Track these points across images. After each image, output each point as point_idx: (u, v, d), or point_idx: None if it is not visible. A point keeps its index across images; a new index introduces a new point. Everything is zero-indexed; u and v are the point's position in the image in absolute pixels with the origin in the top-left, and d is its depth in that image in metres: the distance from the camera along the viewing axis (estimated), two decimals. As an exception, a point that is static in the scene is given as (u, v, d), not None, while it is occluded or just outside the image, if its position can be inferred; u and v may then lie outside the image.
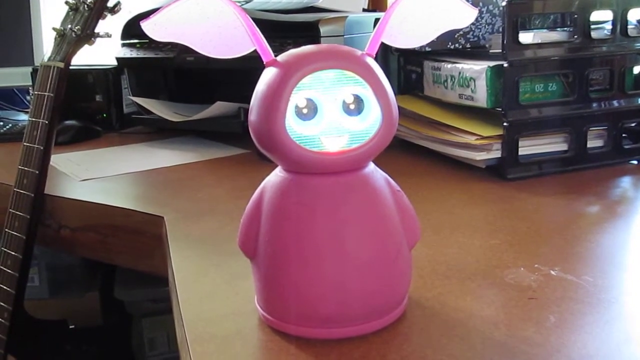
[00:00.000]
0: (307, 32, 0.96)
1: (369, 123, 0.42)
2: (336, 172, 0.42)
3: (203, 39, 0.42)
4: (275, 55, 0.43)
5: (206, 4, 0.41)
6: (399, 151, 0.95)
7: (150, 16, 0.41)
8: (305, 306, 0.43)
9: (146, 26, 0.41)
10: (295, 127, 0.41)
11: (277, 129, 0.40)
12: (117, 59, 1.20)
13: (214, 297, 0.51)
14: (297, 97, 0.40)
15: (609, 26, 0.84)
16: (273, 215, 0.43)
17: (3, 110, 1.51)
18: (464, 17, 0.47)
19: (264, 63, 0.42)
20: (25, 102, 1.55)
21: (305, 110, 0.41)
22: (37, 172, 0.81)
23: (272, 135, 0.41)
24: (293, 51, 0.43)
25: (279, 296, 0.44)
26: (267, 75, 0.42)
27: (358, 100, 0.41)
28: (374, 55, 0.44)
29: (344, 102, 0.41)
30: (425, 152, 0.91)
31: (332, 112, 0.41)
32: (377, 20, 1.03)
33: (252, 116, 0.42)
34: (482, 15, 0.92)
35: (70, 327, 1.00)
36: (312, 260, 0.42)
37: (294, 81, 0.40)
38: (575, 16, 0.80)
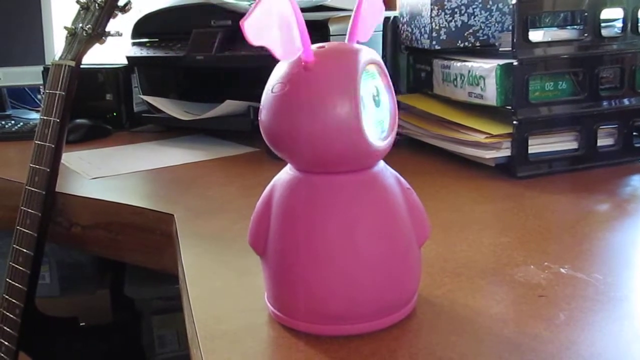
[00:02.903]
0: (317, 31, 0.96)
1: (384, 112, 0.43)
2: (346, 171, 0.43)
3: (278, 41, 0.41)
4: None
5: (276, 5, 0.40)
6: (409, 150, 0.95)
7: (248, 18, 0.39)
8: (314, 303, 0.43)
9: (247, 29, 0.39)
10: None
11: (353, 126, 0.40)
12: (128, 57, 1.21)
13: (224, 294, 0.51)
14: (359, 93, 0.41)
15: (619, 24, 0.83)
16: (283, 213, 0.44)
17: (15, 109, 1.52)
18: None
19: (306, 64, 0.41)
20: (37, 100, 1.56)
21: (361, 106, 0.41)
22: (48, 170, 0.82)
23: (347, 133, 0.40)
24: (327, 52, 0.42)
25: (289, 293, 0.44)
26: (322, 77, 0.41)
27: (377, 92, 0.43)
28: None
29: (373, 95, 0.42)
30: (435, 150, 0.91)
31: (370, 106, 0.42)
32: (386, 18, 1.03)
33: (293, 119, 0.41)
34: (492, 14, 0.92)
35: (81, 324, 1.01)
36: (321, 258, 0.42)
37: (357, 78, 0.40)
38: (586, 14, 0.80)
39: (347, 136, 0.40)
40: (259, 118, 0.43)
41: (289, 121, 0.41)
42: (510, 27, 0.78)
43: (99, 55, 0.95)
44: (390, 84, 0.44)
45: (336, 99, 0.40)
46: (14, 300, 0.84)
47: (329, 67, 0.41)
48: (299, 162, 0.44)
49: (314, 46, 0.42)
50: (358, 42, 0.45)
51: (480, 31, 0.92)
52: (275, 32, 0.40)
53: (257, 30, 0.39)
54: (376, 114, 0.43)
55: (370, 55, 0.43)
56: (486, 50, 0.91)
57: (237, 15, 1.06)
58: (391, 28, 1.04)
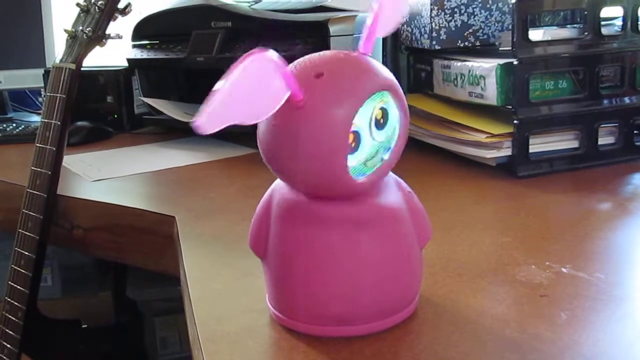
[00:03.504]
0: (317, 32, 0.97)
1: (391, 130, 0.42)
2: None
3: (249, 110, 0.37)
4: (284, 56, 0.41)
5: (246, 69, 0.35)
6: (409, 150, 0.94)
7: (202, 115, 0.35)
8: (315, 305, 0.43)
9: (201, 127, 0.35)
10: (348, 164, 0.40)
11: (341, 173, 0.39)
12: (128, 60, 1.21)
13: (225, 296, 0.52)
14: (349, 135, 0.39)
15: (619, 22, 0.83)
16: (283, 216, 0.44)
17: (16, 112, 1.52)
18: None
19: (295, 104, 0.38)
20: (38, 103, 1.56)
21: (353, 145, 0.39)
22: (49, 172, 0.82)
23: (332, 177, 0.39)
24: (320, 85, 0.39)
25: (290, 295, 0.44)
26: (310, 117, 0.38)
27: (384, 112, 0.41)
28: (370, 54, 0.43)
29: (376, 119, 0.40)
30: (436, 150, 0.91)
31: (369, 134, 0.40)
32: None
33: (290, 160, 0.39)
34: (492, 13, 0.92)
35: (83, 326, 1.01)
36: (322, 261, 0.42)
37: (349, 120, 0.38)
38: (586, 13, 0.80)
39: (333, 180, 0.40)
40: (258, 144, 0.42)
41: (277, 152, 0.40)
42: (510, 27, 0.78)
43: (99, 58, 0.96)
44: (404, 103, 0.42)
45: (322, 144, 0.38)
46: (16, 303, 0.84)
47: (319, 108, 0.38)
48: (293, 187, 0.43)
49: (308, 66, 0.40)
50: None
51: (480, 31, 0.92)
52: (248, 102, 0.36)
53: (217, 119, 0.35)
54: (377, 137, 0.41)
55: (375, 82, 0.40)
56: (486, 49, 0.91)
57: (237, 16, 1.06)
58: (391, 28, 1.04)
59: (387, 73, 0.41)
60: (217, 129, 0.36)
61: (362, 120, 0.39)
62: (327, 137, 0.38)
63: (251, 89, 0.36)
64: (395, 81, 0.41)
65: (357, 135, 0.39)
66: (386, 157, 0.42)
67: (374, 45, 0.42)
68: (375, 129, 0.41)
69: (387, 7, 0.43)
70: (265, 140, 0.41)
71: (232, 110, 0.36)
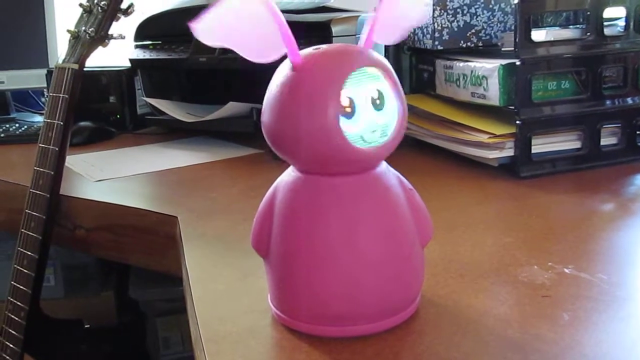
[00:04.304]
0: (319, 32, 0.97)
1: (389, 116, 0.42)
2: (348, 172, 0.43)
3: (245, 43, 0.41)
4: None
5: (246, 5, 0.40)
6: (412, 150, 0.95)
7: (199, 19, 0.39)
8: (317, 305, 0.43)
9: (198, 31, 0.39)
10: (342, 125, 0.41)
11: (332, 130, 0.40)
12: (131, 60, 1.21)
13: (227, 296, 0.52)
14: (342, 97, 0.40)
15: (622, 23, 0.83)
16: (285, 214, 0.44)
17: (19, 112, 1.53)
18: (420, 15, 0.47)
19: (293, 65, 0.41)
20: (40, 103, 1.57)
21: (349, 109, 0.41)
22: (52, 172, 0.82)
23: (327, 136, 0.40)
24: (316, 53, 0.42)
25: (292, 294, 0.44)
26: (306, 78, 0.41)
27: (380, 95, 0.42)
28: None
29: (372, 98, 0.42)
30: (438, 150, 0.91)
31: (367, 109, 0.41)
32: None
33: (290, 122, 0.41)
34: (494, 14, 0.92)
35: (86, 326, 1.01)
36: (324, 260, 0.42)
37: (341, 81, 0.40)
38: (588, 13, 0.80)
39: (328, 140, 0.40)
40: (261, 119, 0.43)
41: (278, 122, 0.42)
42: (513, 27, 0.78)
43: (102, 58, 0.96)
44: (399, 87, 0.43)
45: (316, 103, 0.40)
46: (18, 303, 0.84)
47: (313, 70, 0.41)
48: (295, 163, 0.44)
49: (311, 48, 0.42)
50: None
51: (483, 31, 0.92)
52: (242, 34, 0.40)
53: (211, 32, 0.40)
54: (376, 117, 0.42)
55: (367, 58, 0.42)
56: (489, 50, 0.91)
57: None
58: (393, 29, 1.04)
59: (383, 60, 0.43)
60: (214, 42, 0.40)
61: (356, 93, 0.41)
62: (321, 93, 0.40)
63: (245, 23, 0.40)
64: (393, 72, 0.43)
65: (352, 103, 0.41)
66: (383, 141, 0.42)
67: (372, 43, 0.44)
68: (373, 109, 0.41)
69: (389, 11, 0.43)
70: (269, 111, 0.42)
71: (227, 31, 0.40)
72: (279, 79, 0.42)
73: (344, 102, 0.40)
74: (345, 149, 0.41)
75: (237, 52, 0.41)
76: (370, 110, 0.42)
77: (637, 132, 0.84)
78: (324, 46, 0.43)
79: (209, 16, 0.39)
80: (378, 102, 0.42)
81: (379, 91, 0.42)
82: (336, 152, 0.41)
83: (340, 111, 0.40)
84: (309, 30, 0.98)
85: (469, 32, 0.91)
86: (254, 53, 0.41)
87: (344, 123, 0.40)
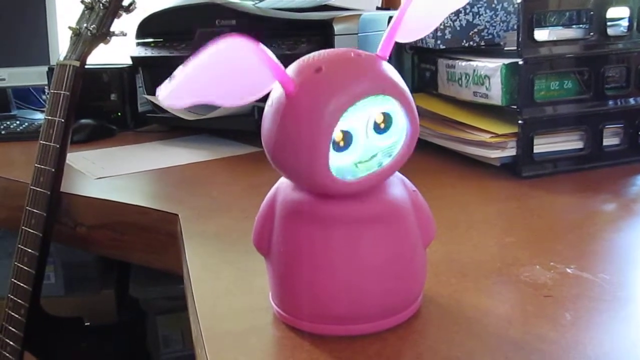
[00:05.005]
0: (321, 31, 0.96)
1: (396, 137, 0.41)
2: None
3: (225, 90, 0.38)
4: (289, 54, 0.42)
5: (219, 52, 0.36)
6: (413, 149, 0.95)
7: (164, 88, 0.36)
8: (319, 304, 0.43)
9: (163, 99, 0.37)
10: (332, 161, 0.39)
11: (320, 169, 0.38)
12: (132, 57, 1.21)
13: (228, 294, 0.51)
14: (335, 132, 0.38)
15: (625, 23, 0.83)
16: (287, 214, 0.44)
17: (19, 109, 1.52)
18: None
19: (287, 94, 0.39)
20: (41, 101, 1.56)
21: (342, 143, 0.39)
22: (53, 170, 0.82)
23: (316, 175, 0.39)
24: (314, 78, 0.39)
25: (293, 293, 0.44)
26: (297, 109, 0.39)
27: (386, 117, 0.40)
28: (387, 57, 0.42)
29: (375, 122, 0.40)
30: (440, 150, 0.91)
31: (365, 136, 0.40)
32: (391, 18, 1.03)
33: (279, 149, 0.40)
34: (497, 13, 0.91)
35: (86, 324, 1.01)
36: (325, 259, 0.42)
37: (335, 116, 0.38)
38: (591, 13, 0.80)
39: (314, 178, 0.39)
40: (273, 150, 0.41)
41: (271, 145, 0.40)
42: (516, 26, 0.78)
43: (103, 55, 0.95)
44: (410, 104, 0.40)
45: (303, 139, 0.38)
46: (19, 300, 0.84)
47: (307, 100, 0.38)
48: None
49: (311, 59, 0.40)
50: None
51: (485, 30, 0.92)
52: (220, 83, 0.37)
53: (184, 93, 0.36)
54: (378, 141, 0.40)
55: (374, 84, 0.39)
56: (491, 49, 0.91)
57: (242, 15, 1.06)
58: (396, 27, 1.04)
59: (394, 79, 0.40)
60: (184, 104, 0.37)
61: (356, 121, 0.39)
62: (310, 129, 0.38)
63: (225, 69, 0.36)
64: (405, 90, 0.40)
65: (347, 135, 0.39)
66: (385, 162, 0.41)
67: (389, 50, 0.42)
68: (374, 133, 0.40)
69: (415, 11, 0.42)
70: (263, 129, 0.41)
71: (201, 87, 0.36)
72: (273, 101, 0.40)
73: (337, 137, 0.39)
74: (329, 180, 0.39)
75: (218, 103, 0.38)
76: (370, 136, 0.40)
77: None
78: (325, 58, 0.40)
79: (178, 81, 0.36)
80: (382, 125, 0.40)
81: (384, 114, 0.40)
82: (319, 181, 0.39)
83: (333, 147, 0.38)
84: (311, 28, 0.98)
85: (472, 32, 0.91)
86: (236, 96, 0.39)
87: (334, 156, 0.39)
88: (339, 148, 0.39)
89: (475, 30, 0.91)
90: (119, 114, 1.27)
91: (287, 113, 0.39)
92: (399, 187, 0.44)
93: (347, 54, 0.41)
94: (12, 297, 0.85)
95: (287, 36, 0.98)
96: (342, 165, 0.40)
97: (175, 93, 0.36)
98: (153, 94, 1.20)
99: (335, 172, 0.39)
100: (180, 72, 0.36)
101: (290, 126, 0.39)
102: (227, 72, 0.37)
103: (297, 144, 0.39)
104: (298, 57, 0.41)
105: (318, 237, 0.42)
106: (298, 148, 0.39)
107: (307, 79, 0.39)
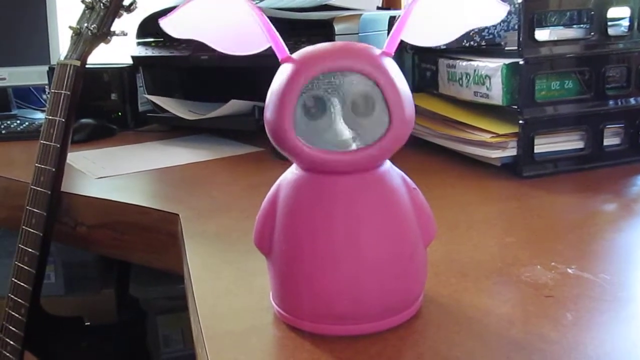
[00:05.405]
0: (322, 30, 0.96)
1: (379, 124, 0.41)
2: (351, 171, 0.42)
3: (220, 36, 0.43)
4: (291, 53, 0.43)
5: (222, 2, 0.42)
6: (414, 149, 0.95)
7: (168, 14, 0.42)
8: (320, 303, 0.43)
9: (164, 24, 0.42)
10: (305, 127, 0.41)
11: (285, 126, 0.40)
12: (133, 57, 1.21)
13: (229, 294, 0.51)
14: (306, 96, 0.40)
15: (626, 23, 0.83)
16: (288, 213, 0.44)
17: (20, 109, 1.52)
18: (493, 14, 0.45)
19: (279, 60, 0.42)
20: (42, 100, 1.56)
21: (313, 110, 0.41)
22: (53, 169, 0.82)
23: (281, 132, 0.41)
24: (309, 49, 0.42)
25: (294, 293, 0.44)
26: (281, 73, 0.42)
27: (368, 100, 0.41)
28: (393, 54, 0.43)
29: (353, 102, 0.41)
30: (440, 150, 0.91)
31: (341, 112, 0.41)
32: (392, 18, 1.03)
33: (267, 113, 0.42)
34: (498, 13, 0.91)
35: (86, 323, 1.01)
36: (326, 258, 0.42)
37: (303, 80, 0.40)
38: (592, 13, 0.80)
39: (284, 140, 0.41)
40: (264, 116, 0.43)
41: (269, 118, 0.42)
42: (516, 26, 0.78)
43: (104, 55, 0.95)
44: (398, 94, 0.41)
45: (278, 99, 0.41)
46: (19, 300, 0.84)
47: (288, 65, 0.42)
48: (299, 161, 0.44)
49: (318, 45, 0.43)
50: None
51: (486, 30, 0.91)
52: (217, 28, 0.43)
53: (179, 25, 0.43)
54: (354, 123, 0.41)
55: (357, 62, 0.41)
56: (492, 49, 0.91)
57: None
58: (396, 27, 1.04)
59: (384, 67, 0.42)
60: (181, 36, 0.43)
61: (332, 93, 0.40)
62: (282, 88, 0.41)
63: (224, 17, 0.42)
64: (394, 82, 0.42)
65: (320, 102, 0.40)
66: (363, 146, 0.41)
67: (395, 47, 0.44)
68: (352, 113, 0.41)
69: (424, 11, 0.43)
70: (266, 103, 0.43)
71: (200, 25, 0.42)
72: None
73: (308, 102, 0.40)
74: (303, 149, 0.41)
75: (209, 45, 0.43)
76: (348, 115, 0.41)
77: (640, 133, 0.83)
78: (327, 43, 0.43)
79: (177, 12, 0.42)
80: (362, 107, 0.41)
81: (365, 96, 0.41)
82: (297, 151, 0.41)
83: (305, 111, 0.40)
84: (311, 28, 0.98)
85: (472, 31, 0.91)
86: (231, 47, 0.43)
87: (306, 124, 0.41)
88: (311, 116, 0.41)
89: (476, 30, 0.91)
90: (120, 113, 1.27)
91: (277, 76, 0.42)
92: (399, 182, 0.44)
93: (347, 43, 0.44)
94: (12, 296, 0.85)
95: (287, 36, 0.97)
96: (316, 134, 0.41)
97: (176, 21, 0.42)
98: (153, 93, 1.20)
99: (305, 140, 0.41)
100: (184, 3, 0.41)
101: (272, 87, 0.42)
102: (225, 20, 0.42)
103: (271, 102, 0.41)
104: (298, 57, 0.42)
105: (319, 234, 0.42)
106: (272, 107, 0.41)
107: (299, 51, 0.43)
